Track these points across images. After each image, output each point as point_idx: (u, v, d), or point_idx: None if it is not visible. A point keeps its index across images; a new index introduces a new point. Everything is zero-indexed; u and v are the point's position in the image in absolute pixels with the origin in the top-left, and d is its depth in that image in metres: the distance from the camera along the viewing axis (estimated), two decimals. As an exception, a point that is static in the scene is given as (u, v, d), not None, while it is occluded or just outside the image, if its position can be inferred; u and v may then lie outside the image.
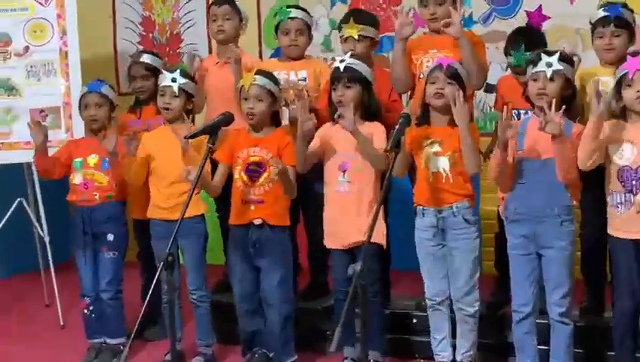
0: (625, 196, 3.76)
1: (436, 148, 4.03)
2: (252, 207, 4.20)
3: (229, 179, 4.27)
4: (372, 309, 3.98)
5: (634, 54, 3.75)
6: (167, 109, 4.34)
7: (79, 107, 4.62)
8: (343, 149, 4.16)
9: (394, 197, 4.53)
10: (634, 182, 3.73)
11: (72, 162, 4.53)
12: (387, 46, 5.86)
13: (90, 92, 4.56)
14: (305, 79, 4.74)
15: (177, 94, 4.32)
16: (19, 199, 5.47)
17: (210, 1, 5.16)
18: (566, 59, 3.87)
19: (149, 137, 4.48)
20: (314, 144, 4.19)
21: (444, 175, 4.02)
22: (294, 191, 4.18)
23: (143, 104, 4.88)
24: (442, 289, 4.12)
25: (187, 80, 4.37)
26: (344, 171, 4.14)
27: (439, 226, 4.05)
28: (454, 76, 3.97)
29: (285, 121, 4.51)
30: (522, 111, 4.28)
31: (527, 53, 4.20)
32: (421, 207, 4.09)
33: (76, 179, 4.50)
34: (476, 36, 4.71)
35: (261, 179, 4.18)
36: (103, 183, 4.49)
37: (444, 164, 4.02)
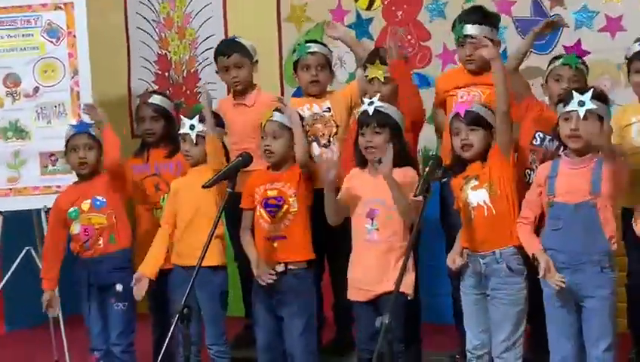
0: None
1: (473, 182, 4.01)
2: (275, 244, 4.22)
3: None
4: (402, 364, 3.97)
5: None
6: (189, 156, 4.43)
7: (65, 150, 4.61)
8: (371, 195, 4.13)
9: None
10: None
11: (67, 214, 4.52)
12: (417, 81, 5.88)
13: (79, 133, 4.55)
14: (329, 109, 4.77)
15: (196, 142, 4.38)
16: (27, 248, 5.47)
17: (216, 52, 5.16)
18: (600, 96, 3.86)
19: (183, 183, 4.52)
20: (343, 192, 4.18)
21: (485, 207, 3.99)
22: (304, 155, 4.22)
23: (151, 147, 4.89)
24: (482, 342, 4.08)
25: (203, 123, 4.40)
26: (372, 218, 4.10)
27: (483, 273, 4.02)
28: (476, 121, 4.00)
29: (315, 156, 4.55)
30: (548, 137, 4.28)
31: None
32: (466, 251, 4.06)
33: (75, 228, 4.50)
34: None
35: (280, 213, 4.20)
36: (103, 223, 4.49)
37: (483, 196, 4.00)
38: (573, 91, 3.83)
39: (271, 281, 4.15)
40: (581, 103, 3.74)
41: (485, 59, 4.27)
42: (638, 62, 4.28)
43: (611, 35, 5.56)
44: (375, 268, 4.10)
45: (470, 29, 4.59)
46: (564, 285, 3.71)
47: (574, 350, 3.88)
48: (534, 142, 4.39)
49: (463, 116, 3.97)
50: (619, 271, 3.93)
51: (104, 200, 4.49)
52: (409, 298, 4.09)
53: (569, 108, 3.78)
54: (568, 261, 3.82)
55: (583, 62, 4.52)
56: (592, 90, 3.82)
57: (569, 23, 5.37)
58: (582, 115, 3.73)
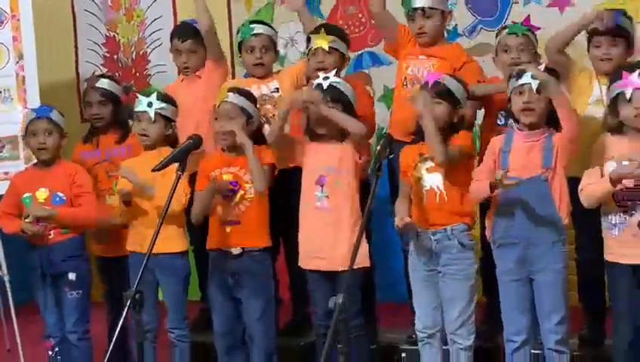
0: (620, 217, 3.78)
1: (429, 164, 4.04)
2: (228, 229, 4.22)
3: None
4: (356, 345, 3.98)
5: (629, 69, 3.80)
6: (145, 135, 4.36)
7: (25, 134, 4.57)
8: (320, 163, 4.17)
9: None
10: (629, 202, 3.74)
11: (21, 198, 4.47)
12: (368, 62, 5.99)
13: (39, 118, 4.49)
14: (277, 89, 4.78)
15: (154, 120, 4.34)
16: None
17: (172, 32, 5.20)
18: (551, 70, 3.94)
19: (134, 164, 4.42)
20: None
21: (438, 192, 4.05)
22: (263, 183, 4.16)
23: (100, 133, 4.84)
24: (434, 321, 4.11)
25: (165, 103, 4.38)
26: (322, 185, 4.13)
27: (434, 250, 4.06)
28: (441, 94, 4.02)
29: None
30: (502, 113, 4.37)
31: None
32: (418, 229, 4.08)
33: (27, 217, 4.40)
34: (471, 58, 4.79)
35: (236, 198, 4.21)
36: None
37: (437, 180, 4.05)
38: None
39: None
40: (534, 76, 3.80)
41: (436, 33, 4.40)
42: (597, 36, 4.32)
43: (560, 10, 5.65)
44: (327, 235, 4.14)
45: (419, 1, 4.58)
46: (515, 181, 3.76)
47: (528, 323, 3.93)
48: (499, 122, 4.47)
49: (430, 86, 4.02)
50: (569, 245, 4.00)
51: (64, 197, 4.46)
52: (366, 267, 4.12)
53: (522, 81, 3.84)
54: (520, 235, 3.88)
55: (530, 30, 4.58)
56: (544, 64, 3.92)
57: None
58: (535, 87, 3.79)
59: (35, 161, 4.61)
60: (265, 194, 4.23)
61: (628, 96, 3.73)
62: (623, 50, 4.30)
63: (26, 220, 4.38)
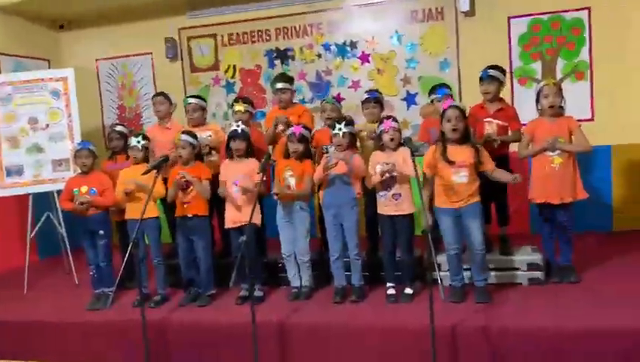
0: (383, 192, 3.83)
1: (290, 172, 4.00)
2: (185, 206, 4.14)
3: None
4: (255, 261, 4.01)
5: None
6: (135, 157, 4.29)
7: (74, 158, 4.46)
8: (235, 172, 4.09)
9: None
10: (387, 185, 3.78)
11: (72, 191, 4.34)
12: (260, 117, 5.91)
13: (82, 148, 4.40)
14: (210, 135, 4.66)
15: (141, 149, 4.26)
16: (47, 212, 5.28)
17: (153, 97, 5.04)
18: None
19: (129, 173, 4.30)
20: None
21: (292, 189, 3.97)
22: (207, 194, 4.10)
23: (117, 154, 4.72)
24: (290, 248, 4.09)
25: (145, 141, 4.29)
26: (236, 184, 4.05)
27: (288, 208, 4.01)
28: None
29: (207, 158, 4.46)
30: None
31: None
32: (278, 202, 4.03)
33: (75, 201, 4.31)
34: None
35: (189, 190, 4.13)
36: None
37: (293, 182, 3.96)
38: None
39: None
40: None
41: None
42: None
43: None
44: (239, 209, 4.04)
45: (279, 84, 4.50)
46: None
47: (340, 246, 3.96)
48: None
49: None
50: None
51: (96, 190, 4.32)
52: (259, 225, 4.10)
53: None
54: (335, 202, 3.90)
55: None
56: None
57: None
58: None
59: (80, 171, 4.44)
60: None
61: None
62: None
63: (76, 203, 4.26)
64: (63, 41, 6.78)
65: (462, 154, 3.63)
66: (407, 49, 5.81)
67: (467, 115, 3.77)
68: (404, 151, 3.71)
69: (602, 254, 4.55)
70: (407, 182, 3.81)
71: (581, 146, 3.81)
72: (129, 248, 3.51)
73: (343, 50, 5.97)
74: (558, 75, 5.44)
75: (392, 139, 3.80)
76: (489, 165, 3.68)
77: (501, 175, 3.68)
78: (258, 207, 4.05)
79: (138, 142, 4.27)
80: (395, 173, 3.74)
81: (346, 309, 3.78)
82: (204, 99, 4.85)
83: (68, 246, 5.19)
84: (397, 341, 3.37)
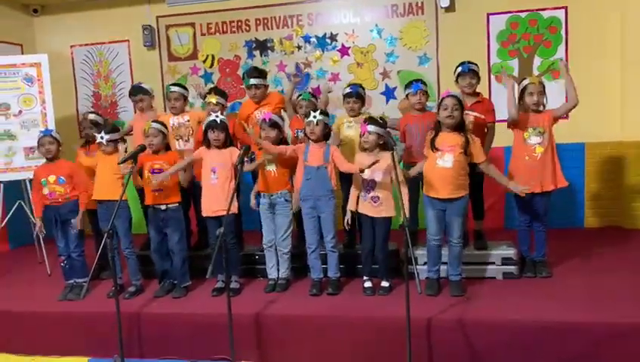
0: (365, 193, 3.81)
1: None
2: (157, 194, 4.07)
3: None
4: (232, 252, 3.98)
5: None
6: (104, 151, 4.22)
7: (38, 146, 4.29)
8: (213, 161, 4.04)
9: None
10: (369, 187, 3.77)
11: (41, 181, 4.23)
12: (235, 108, 5.83)
13: (45, 135, 4.26)
14: (188, 120, 4.61)
15: (106, 143, 4.16)
16: (18, 201, 5.22)
17: (130, 90, 4.96)
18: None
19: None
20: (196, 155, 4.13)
21: (273, 174, 4.00)
22: (185, 184, 4.08)
23: (90, 143, 4.66)
24: (271, 238, 4.09)
25: (113, 133, 4.20)
26: (214, 172, 4.02)
27: (272, 202, 4.03)
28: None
29: (175, 147, 4.43)
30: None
31: None
32: (262, 193, 4.05)
33: (45, 191, 4.21)
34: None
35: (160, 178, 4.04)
36: (61, 191, 4.21)
37: (272, 167, 4.01)
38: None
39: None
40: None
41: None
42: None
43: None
44: (216, 197, 3.99)
45: (253, 80, 4.45)
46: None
47: (317, 238, 3.96)
48: None
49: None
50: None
51: (64, 179, 4.22)
52: (235, 213, 4.05)
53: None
54: (313, 195, 3.88)
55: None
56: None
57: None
58: None
59: (45, 160, 4.34)
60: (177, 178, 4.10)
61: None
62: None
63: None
64: (37, 26, 6.61)
65: (451, 140, 3.65)
66: (386, 43, 5.82)
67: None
68: (389, 158, 3.61)
69: (574, 250, 4.64)
70: (388, 189, 3.78)
71: (572, 89, 3.84)
72: (104, 238, 3.43)
73: (323, 42, 5.95)
74: (535, 73, 5.51)
75: (365, 146, 3.76)
76: (480, 157, 3.68)
77: (496, 174, 3.71)
78: (236, 196, 4.02)
79: (102, 137, 4.17)
80: (376, 178, 3.75)
81: (323, 301, 3.78)
82: (186, 88, 4.80)
83: (40, 235, 5.05)
84: (373, 333, 3.38)
